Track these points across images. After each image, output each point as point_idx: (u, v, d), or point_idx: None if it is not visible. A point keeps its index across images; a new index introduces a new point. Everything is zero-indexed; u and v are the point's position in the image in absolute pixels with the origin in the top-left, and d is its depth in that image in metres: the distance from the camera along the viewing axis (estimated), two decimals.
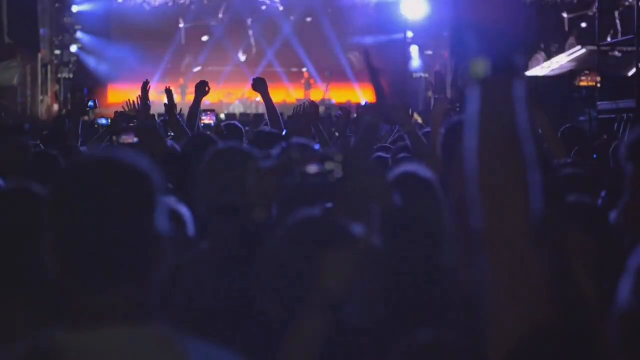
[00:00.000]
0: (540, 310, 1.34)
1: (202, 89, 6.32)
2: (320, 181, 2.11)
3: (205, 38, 25.73)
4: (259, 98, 24.87)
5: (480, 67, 1.42)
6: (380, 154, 5.09)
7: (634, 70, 16.21)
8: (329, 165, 2.09)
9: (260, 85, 6.18)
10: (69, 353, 1.41)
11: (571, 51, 20.55)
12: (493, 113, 1.41)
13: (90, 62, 23.85)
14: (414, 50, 23.79)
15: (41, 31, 22.36)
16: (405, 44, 23.14)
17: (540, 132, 5.07)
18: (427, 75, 23.24)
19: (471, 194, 1.41)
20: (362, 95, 23.38)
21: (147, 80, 6.04)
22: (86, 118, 7.32)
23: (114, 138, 4.70)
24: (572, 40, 21.08)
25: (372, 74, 3.34)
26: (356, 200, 2.31)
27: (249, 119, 20.05)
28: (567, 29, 21.10)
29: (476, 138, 1.41)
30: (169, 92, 6.28)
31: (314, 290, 1.93)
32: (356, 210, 2.26)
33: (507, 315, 1.35)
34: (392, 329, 2.02)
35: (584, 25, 21.03)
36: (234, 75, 24.91)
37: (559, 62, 20.23)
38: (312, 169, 2.10)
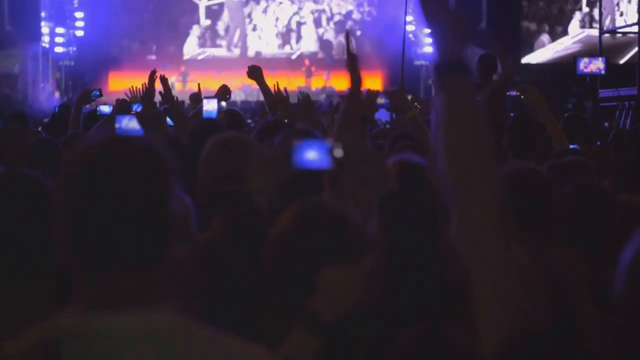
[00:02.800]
0: (525, 309, 1.34)
1: (222, 94, 6.34)
2: (318, 168, 2.10)
3: (207, 22, 25.61)
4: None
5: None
6: (378, 140, 5.09)
7: (628, 57, 16.20)
8: (327, 153, 2.08)
9: (255, 73, 6.20)
10: (79, 339, 1.38)
11: (574, 33, 20.59)
12: (454, 111, 1.46)
13: (92, 49, 23.80)
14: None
15: (42, 18, 22.33)
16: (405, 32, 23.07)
17: (541, 119, 5.07)
18: (427, 63, 23.18)
19: (446, 192, 1.43)
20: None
21: (155, 69, 6.01)
22: (88, 105, 7.32)
23: (116, 125, 4.70)
24: (575, 23, 21.11)
25: (350, 61, 3.30)
26: (354, 188, 2.30)
27: (250, 107, 20.02)
28: (571, 11, 21.17)
29: (442, 137, 1.44)
30: (164, 80, 6.23)
31: (306, 308, 1.88)
32: (354, 198, 2.25)
33: (491, 314, 1.35)
34: (391, 320, 2.01)
35: (586, 9, 21.05)
36: (234, 63, 24.88)
37: (563, 44, 20.27)
38: (311, 156, 2.09)
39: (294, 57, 25.52)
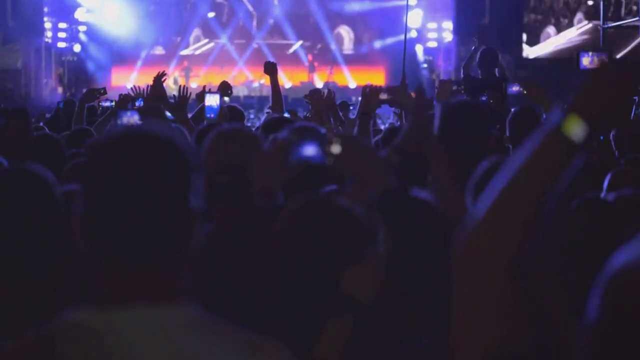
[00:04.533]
0: (505, 330, 1.32)
1: (224, 90, 6.41)
2: (316, 163, 2.10)
3: (212, 14, 25.47)
4: (262, 80, 24.70)
5: (575, 124, 1.35)
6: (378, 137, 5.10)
7: (626, 51, 16.16)
8: (325, 148, 2.08)
9: (270, 69, 6.26)
10: (93, 334, 1.36)
11: (578, 25, 20.60)
12: (542, 169, 1.35)
13: (94, 44, 23.79)
14: (419, 49, 23.52)
15: (45, 13, 22.31)
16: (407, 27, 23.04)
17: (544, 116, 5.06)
18: (430, 58, 23.15)
19: (469, 216, 1.38)
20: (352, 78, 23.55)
21: (163, 71, 6.01)
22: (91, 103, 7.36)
23: (118, 121, 4.71)
24: (580, 15, 21.14)
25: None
26: (353, 183, 2.30)
27: (253, 102, 19.98)
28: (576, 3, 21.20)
29: (508, 179, 1.35)
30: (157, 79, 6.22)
31: (336, 295, 1.90)
32: (354, 194, 2.25)
33: (469, 333, 1.33)
34: (394, 324, 2.01)
35: (590, 2, 21.08)
36: (236, 58, 24.85)
37: (567, 36, 20.25)
38: (309, 151, 2.09)
39: (293, 49, 25.47)
